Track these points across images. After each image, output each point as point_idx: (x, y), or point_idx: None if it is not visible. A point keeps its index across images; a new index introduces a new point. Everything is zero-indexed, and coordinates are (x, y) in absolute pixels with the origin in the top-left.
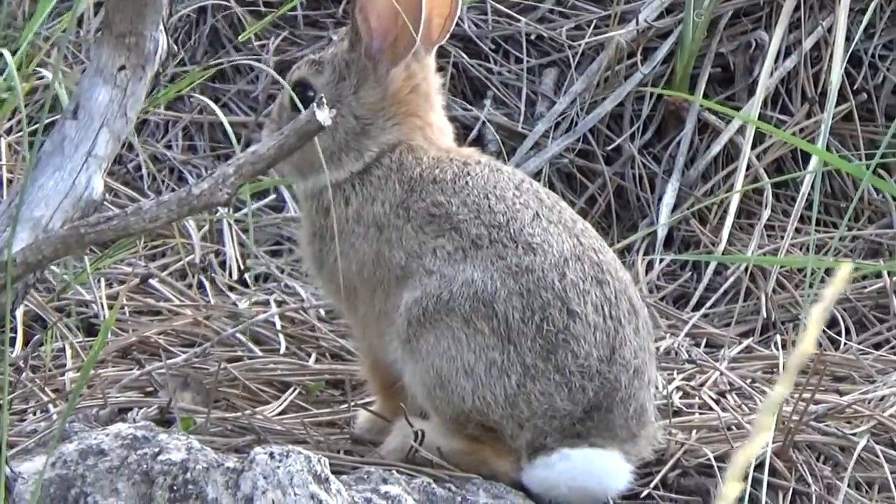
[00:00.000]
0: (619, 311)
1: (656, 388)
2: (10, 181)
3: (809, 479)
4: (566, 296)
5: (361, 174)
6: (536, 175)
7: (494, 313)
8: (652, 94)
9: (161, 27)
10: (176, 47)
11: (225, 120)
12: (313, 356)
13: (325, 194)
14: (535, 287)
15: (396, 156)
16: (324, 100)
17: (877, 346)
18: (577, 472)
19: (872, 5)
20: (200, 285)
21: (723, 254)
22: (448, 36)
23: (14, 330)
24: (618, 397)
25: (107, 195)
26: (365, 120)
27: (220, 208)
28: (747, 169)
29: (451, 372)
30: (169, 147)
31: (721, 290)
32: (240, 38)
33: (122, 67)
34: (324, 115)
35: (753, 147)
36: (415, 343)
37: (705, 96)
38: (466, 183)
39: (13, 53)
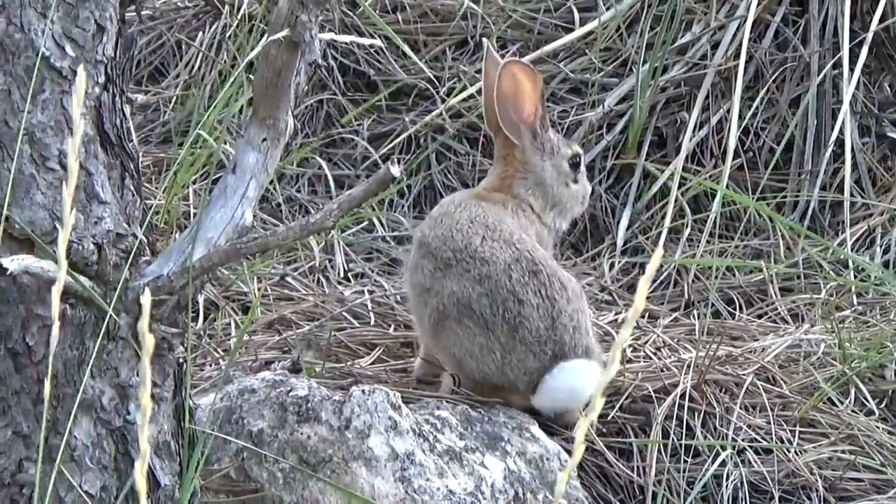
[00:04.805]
0: (553, 290)
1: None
2: (194, 214)
3: (714, 404)
4: (515, 290)
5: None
6: None
7: (473, 312)
8: (614, 154)
9: (290, 113)
10: (299, 125)
11: (329, 175)
12: (392, 326)
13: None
14: (494, 288)
15: None
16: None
17: (759, 317)
18: (571, 376)
19: (761, 94)
20: (319, 280)
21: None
22: None
23: (196, 310)
24: (566, 349)
25: (256, 223)
26: None
27: (330, 230)
28: (676, 201)
29: (460, 356)
30: (298, 191)
31: (658, 280)
32: (343, 119)
33: (264, 139)
34: (396, 170)
35: (679, 188)
36: (436, 339)
37: (647, 155)
38: (441, 220)
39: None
